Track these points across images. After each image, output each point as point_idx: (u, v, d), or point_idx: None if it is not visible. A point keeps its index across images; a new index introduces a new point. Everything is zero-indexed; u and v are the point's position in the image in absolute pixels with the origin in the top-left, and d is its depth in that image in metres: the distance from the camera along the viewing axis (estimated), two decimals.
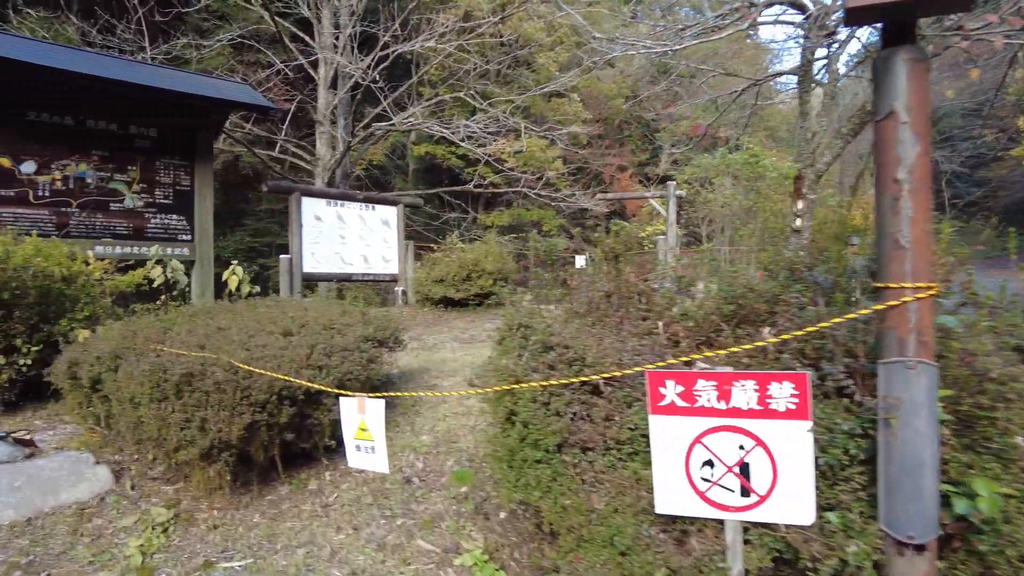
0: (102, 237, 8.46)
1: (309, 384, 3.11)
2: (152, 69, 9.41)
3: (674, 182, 14.08)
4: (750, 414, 2.11)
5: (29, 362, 4.31)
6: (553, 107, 22.51)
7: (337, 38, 14.09)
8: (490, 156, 17.03)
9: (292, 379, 3.13)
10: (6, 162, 7.90)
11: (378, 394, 2.71)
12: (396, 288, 12.02)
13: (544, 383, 2.49)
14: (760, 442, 2.11)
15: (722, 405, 2.14)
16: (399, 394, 4.14)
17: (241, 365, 3.10)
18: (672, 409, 2.20)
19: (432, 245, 14.43)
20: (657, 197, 14.35)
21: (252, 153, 13.52)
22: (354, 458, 2.79)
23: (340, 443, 3.51)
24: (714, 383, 2.14)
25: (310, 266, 10.57)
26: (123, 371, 3.18)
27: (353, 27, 13.29)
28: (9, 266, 4.22)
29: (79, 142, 8.34)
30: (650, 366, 2.41)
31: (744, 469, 2.14)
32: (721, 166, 17.73)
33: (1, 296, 4.13)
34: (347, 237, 11.18)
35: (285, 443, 3.43)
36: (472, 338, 8.40)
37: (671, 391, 2.19)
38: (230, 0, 14.47)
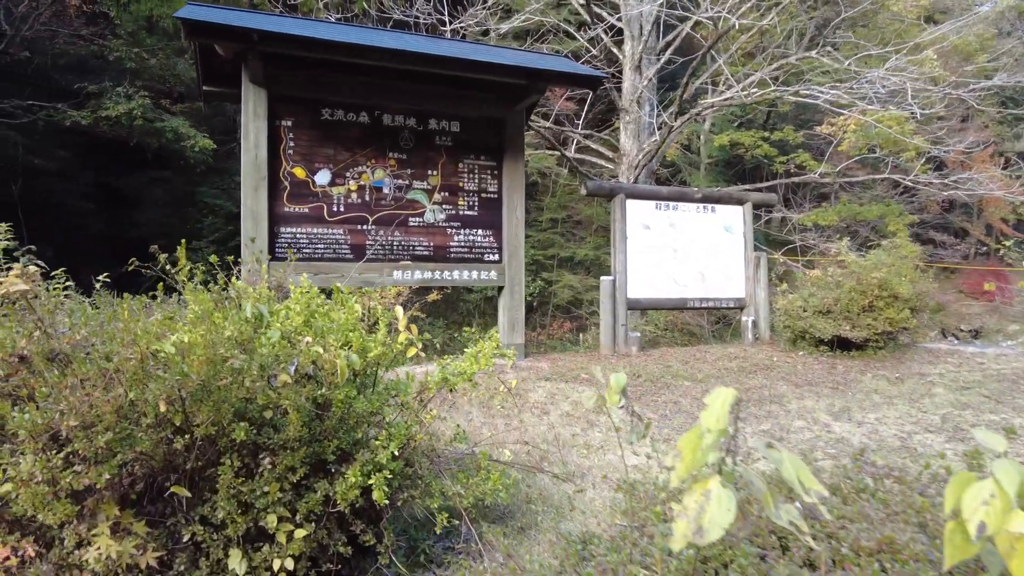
0: (400, 259, 6.65)
1: None
2: (451, 43, 7.50)
3: None
4: None
5: (290, 563, 1.95)
6: (896, 71, 17.11)
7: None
8: (831, 135, 12.90)
9: None
10: (301, 172, 6.39)
11: None
12: (743, 318, 8.71)
13: None
14: None
15: None
16: None
17: None
18: None
19: (774, 257, 10.87)
20: None
21: (558, 152, 11.36)
22: None
23: None
24: None
25: (636, 290, 7.88)
26: None
27: None
28: (253, 362, 1.86)
29: (375, 143, 6.64)
30: None
31: None
32: None
33: (230, 431, 1.80)
34: (680, 250, 8.29)
35: None
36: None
37: None
38: None
